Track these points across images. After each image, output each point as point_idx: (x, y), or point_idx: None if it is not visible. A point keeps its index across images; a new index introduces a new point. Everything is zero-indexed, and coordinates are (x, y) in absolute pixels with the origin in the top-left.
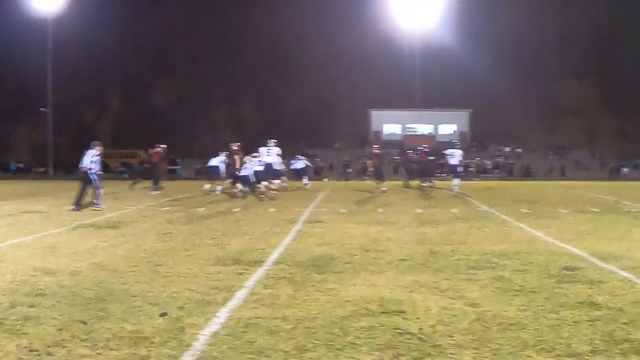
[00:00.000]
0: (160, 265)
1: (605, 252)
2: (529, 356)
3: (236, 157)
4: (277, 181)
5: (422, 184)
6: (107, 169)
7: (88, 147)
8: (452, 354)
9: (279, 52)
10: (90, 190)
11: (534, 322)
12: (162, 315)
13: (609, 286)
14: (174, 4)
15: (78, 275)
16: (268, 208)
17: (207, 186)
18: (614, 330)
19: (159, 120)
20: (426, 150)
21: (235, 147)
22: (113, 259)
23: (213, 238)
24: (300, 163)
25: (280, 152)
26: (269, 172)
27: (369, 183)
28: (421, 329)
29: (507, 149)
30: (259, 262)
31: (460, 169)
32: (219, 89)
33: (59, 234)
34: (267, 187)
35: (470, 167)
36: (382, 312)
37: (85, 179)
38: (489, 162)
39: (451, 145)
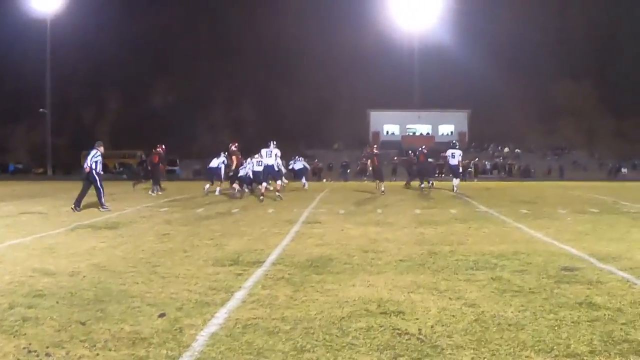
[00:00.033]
0: (159, 266)
1: (604, 252)
2: (527, 356)
3: (234, 157)
4: (279, 182)
5: (421, 185)
6: (106, 170)
7: (92, 148)
8: (450, 354)
9: (278, 52)
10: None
11: (532, 322)
12: (161, 316)
13: (608, 287)
14: (173, 4)
15: (77, 276)
16: (267, 209)
17: (207, 186)
18: (613, 330)
19: (157, 121)
20: (425, 151)
21: (233, 147)
22: (112, 260)
23: (212, 239)
24: (298, 164)
25: (279, 154)
26: (269, 174)
27: (368, 184)
28: (420, 329)
29: (506, 150)
30: (257, 263)
31: (460, 170)
32: (218, 90)
33: (57, 234)
34: (267, 189)
35: (469, 168)
36: (381, 313)
37: (89, 180)
38: (487, 163)
39: (451, 145)
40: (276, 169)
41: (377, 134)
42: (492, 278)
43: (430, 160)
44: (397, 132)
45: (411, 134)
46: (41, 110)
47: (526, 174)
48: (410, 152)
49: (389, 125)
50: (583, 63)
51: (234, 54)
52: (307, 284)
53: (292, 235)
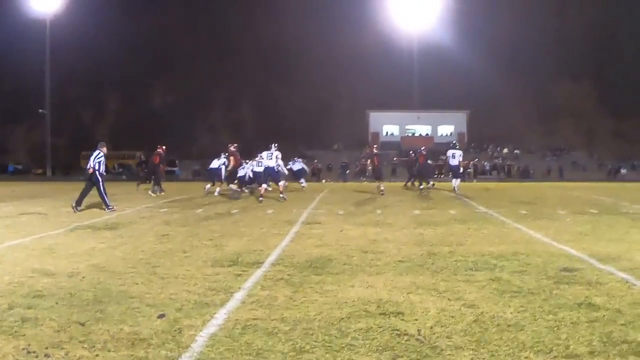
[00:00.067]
0: (158, 266)
1: (603, 253)
2: (526, 357)
3: (231, 157)
4: (281, 183)
5: (420, 186)
6: (106, 170)
7: (95, 148)
8: (450, 355)
9: (278, 53)
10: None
11: (532, 323)
12: (160, 316)
13: (607, 287)
14: (173, 5)
15: (76, 276)
16: (266, 210)
17: (207, 186)
18: (612, 331)
19: (157, 122)
20: (424, 152)
21: (232, 148)
22: (111, 261)
23: (211, 239)
24: (297, 164)
25: (280, 156)
26: (269, 175)
27: (367, 184)
28: (419, 330)
29: (505, 150)
30: (257, 264)
31: (461, 170)
32: (217, 90)
33: (57, 235)
34: (266, 190)
35: (468, 169)
36: (380, 314)
37: (91, 180)
38: (487, 164)
39: (451, 146)
40: (276, 169)
41: (376, 135)
42: (491, 279)
43: (429, 161)
44: (396, 133)
45: (410, 134)
46: (40, 110)
47: (525, 175)
48: (411, 152)
49: (389, 125)
50: (582, 63)
51: (233, 55)
52: (306, 285)
53: (291, 236)
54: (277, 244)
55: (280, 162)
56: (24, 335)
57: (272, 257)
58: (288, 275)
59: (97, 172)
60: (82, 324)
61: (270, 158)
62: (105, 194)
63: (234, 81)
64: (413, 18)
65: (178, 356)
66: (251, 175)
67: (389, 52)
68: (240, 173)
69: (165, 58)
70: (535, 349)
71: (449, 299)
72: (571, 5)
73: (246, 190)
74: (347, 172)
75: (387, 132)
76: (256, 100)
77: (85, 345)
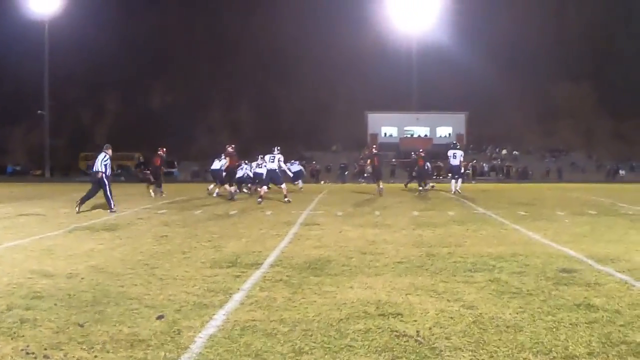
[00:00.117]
0: (157, 267)
1: (602, 254)
2: (525, 358)
3: (228, 158)
4: (283, 186)
5: (419, 188)
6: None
7: (100, 151)
8: (449, 356)
9: (276, 54)
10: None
11: (530, 324)
12: (159, 317)
13: (606, 288)
14: (171, 6)
15: (75, 277)
16: (265, 211)
17: (210, 187)
18: (611, 332)
19: (156, 123)
20: (422, 154)
21: (230, 149)
22: (110, 262)
23: (210, 241)
24: (295, 166)
25: (283, 159)
26: (271, 178)
27: (366, 185)
28: (418, 331)
29: (504, 152)
30: (255, 265)
31: (462, 170)
32: (216, 91)
33: (55, 236)
34: (265, 192)
35: (467, 170)
36: (379, 315)
37: (98, 183)
38: (485, 165)
39: (452, 146)
40: (278, 172)
41: (375, 136)
42: (490, 280)
43: (427, 164)
44: (395, 134)
45: (409, 135)
46: (39, 112)
47: (524, 176)
48: (413, 154)
49: (387, 127)
50: (581, 64)
51: (232, 56)
52: (305, 286)
53: (290, 237)
54: (276, 245)
55: (283, 165)
56: (23, 336)
57: (270, 259)
58: (287, 276)
59: (103, 176)
60: (81, 325)
61: (273, 161)
62: (112, 195)
63: (232, 82)
64: (412, 19)
65: (177, 357)
66: (251, 176)
67: (387, 53)
68: (239, 174)
69: (164, 59)
70: (534, 349)
71: (447, 300)
72: (570, 6)
73: (246, 191)
74: (346, 173)
75: (385, 134)
76: (255, 101)
77: (84, 347)
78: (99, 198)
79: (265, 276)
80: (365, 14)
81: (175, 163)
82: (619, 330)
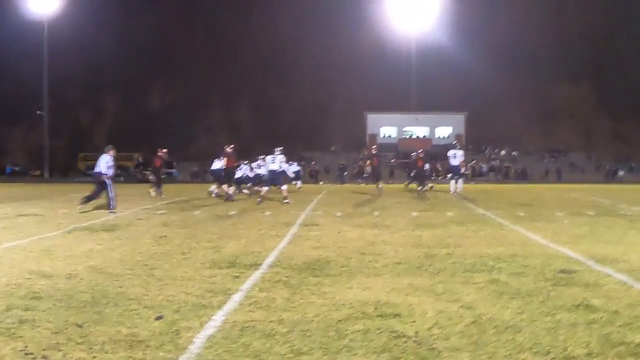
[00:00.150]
0: (156, 268)
1: (601, 255)
2: (524, 359)
3: (225, 159)
4: (284, 187)
5: (418, 188)
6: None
7: (103, 152)
8: (448, 357)
9: (275, 54)
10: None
11: (529, 325)
12: (158, 318)
13: (605, 289)
14: (170, 7)
15: (74, 278)
16: (264, 211)
17: (212, 187)
18: (610, 333)
19: (155, 123)
20: (421, 155)
21: (228, 149)
22: (109, 262)
23: (209, 241)
24: (293, 167)
25: (284, 160)
26: (272, 179)
27: (364, 186)
28: (417, 332)
29: (503, 152)
30: (255, 266)
31: (462, 170)
32: (215, 92)
33: (54, 237)
34: (266, 193)
35: (466, 170)
36: (378, 316)
37: (101, 185)
38: (484, 165)
39: (452, 146)
40: (279, 173)
41: (374, 137)
42: (489, 280)
43: (427, 164)
44: (394, 135)
45: (408, 136)
46: (38, 112)
47: (523, 177)
48: (413, 154)
49: (386, 127)
50: (581, 65)
51: (231, 56)
52: (304, 287)
53: (289, 238)
54: (275, 245)
55: (285, 166)
56: (22, 336)
57: (270, 259)
58: (286, 277)
59: (107, 178)
60: (80, 326)
61: (274, 162)
62: (115, 197)
63: (232, 82)
64: (411, 19)
65: (176, 358)
66: (250, 176)
67: (386, 54)
68: (238, 175)
69: (164, 59)
70: (533, 350)
71: (446, 300)
72: (569, 7)
73: (245, 192)
74: (345, 173)
75: (384, 134)
76: (254, 101)
77: (83, 347)
78: (100, 198)
79: (264, 277)
80: (364, 14)
81: (174, 163)
82: (618, 331)
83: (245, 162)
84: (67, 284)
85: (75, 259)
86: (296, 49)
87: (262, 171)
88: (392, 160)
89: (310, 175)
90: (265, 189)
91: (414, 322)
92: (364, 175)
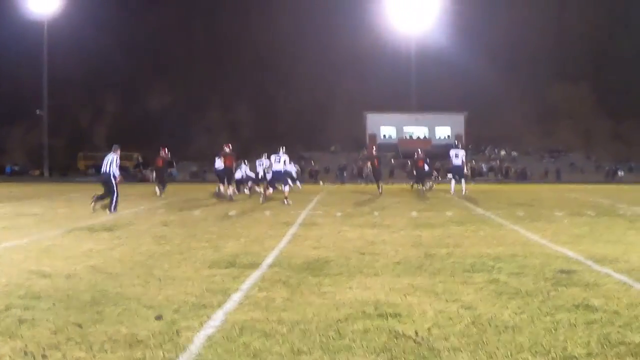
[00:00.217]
0: (156, 268)
1: (600, 255)
2: (524, 359)
3: (223, 158)
4: (286, 188)
5: (419, 188)
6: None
7: (109, 152)
8: (447, 357)
9: (275, 54)
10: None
11: (529, 325)
12: (158, 318)
13: (605, 289)
14: (170, 7)
15: (73, 278)
16: (264, 211)
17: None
18: (610, 333)
19: (154, 123)
20: (421, 155)
21: (227, 149)
22: (108, 262)
23: (208, 241)
24: (292, 167)
25: (288, 159)
26: (276, 179)
27: (364, 186)
28: (417, 332)
29: (503, 152)
30: (254, 265)
31: (464, 170)
32: (214, 92)
33: (54, 236)
34: (270, 193)
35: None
36: (378, 315)
37: (106, 184)
38: (484, 165)
39: (454, 145)
40: (283, 172)
41: (373, 137)
42: (488, 280)
43: (426, 164)
44: (394, 135)
45: (408, 136)
46: (38, 112)
47: (523, 177)
48: (415, 154)
49: (386, 127)
50: (580, 65)
51: (230, 56)
52: (303, 286)
53: (288, 238)
54: (275, 245)
55: (289, 166)
56: (21, 336)
57: (269, 259)
58: (285, 276)
59: (115, 178)
60: (80, 326)
61: (278, 162)
62: (118, 198)
63: (231, 82)
64: (411, 19)
65: (175, 357)
66: (251, 176)
67: (386, 54)
68: (238, 175)
69: (163, 59)
70: (532, 350)
71: (446, 300)
72: (569, 7)
73: (246, 191)
74: (345, 174)
75: (384, 134)
76: (254, 101)
77: (83, 347)
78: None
79: (264, 276)
80: (364, 14)
81: (174, 163)
82: (618, 331)
83: (245, 161)
84: (66, 283)
85: (75, 258)
86: (296, 49)
87: (262, 170)
88: (392, 160)
89: (310, 175)
90: (270, 190)
91: (413, 322)
92: (364, 175)
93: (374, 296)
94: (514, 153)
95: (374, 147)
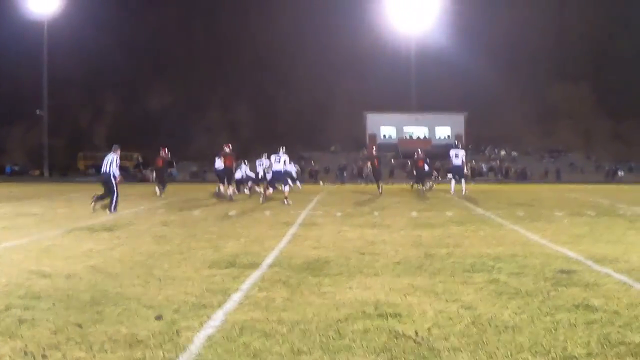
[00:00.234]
0: (156, 268)
1: (600, 255)
2: (524, 359)
3: (222, 158)
4: (286, 188)
5: (419, 188)
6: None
7: (109, 152)
8: (447, 356)
9: (274, 54)
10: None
11: (529, 324)
12: (158, 318)
13: (605, 289)
14: (170, 8)
15: (73, 278)
16: (264, 211)
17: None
18: (610, 333)
19: (154, 123)
20: (421, 154)
21: (227, 149)
22: (108, 262)
23: (208, 241)
24: (291, 167)
25: (288, 159)
26: (277, 179)
27: (364, 186)
28: (417, 332)
29: (503, 152)
30: (254, 265)
31: (465, 170)
32: (214, 92)
33: (54, 236)
34: (270, 193)
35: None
36: (378, 315)
37: (107, 184)
38: (484, 165)
39: (454, 145)
40: (283, 172)
41: (373, 137)
42: (488, 280)
43: (426, 164)
44: (394, 135)
45: (408, 136)
46: (38, 112)
47: (523, 177)
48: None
49: (386, 127)
50: (580, 65)
51: (230, 57)
52: (303, 286)
53: (288, 238)
54: (275, 245)
55: (289, 166)
56: (21, 336)
57: (269, 259)
58: (285, 276)
59: (115, 178)
60: (80, 326)
61: (278, 162)
62: (118, 198)
63: (231, 82)
64: (411, 19)
65: (175, 357)
66: (251, 176)
67: (386, 54)
68: (237, 175)
69: (163, 59)
70: (532, 350)
71: (446, 300)
72: (569, 7)
73: (246, 191)
74: (345, 174)
75: (384, 134)
76: (253, 101)
77: (83, 347)
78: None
79: (263, 276)
80: (364, 14)
81: (174, 163)
82: (618, 331)
83: (245, 161)
84: (66, 283)
85: (75, 258)
86: (295, 49)
87: (262, 170)
88: (392, 160)
89: (309, 175)
90: (270, 190)
91: (413, 322)
92: (364, 175)
93: (374, 296)
94: (514, 153)
95: (374, 147)
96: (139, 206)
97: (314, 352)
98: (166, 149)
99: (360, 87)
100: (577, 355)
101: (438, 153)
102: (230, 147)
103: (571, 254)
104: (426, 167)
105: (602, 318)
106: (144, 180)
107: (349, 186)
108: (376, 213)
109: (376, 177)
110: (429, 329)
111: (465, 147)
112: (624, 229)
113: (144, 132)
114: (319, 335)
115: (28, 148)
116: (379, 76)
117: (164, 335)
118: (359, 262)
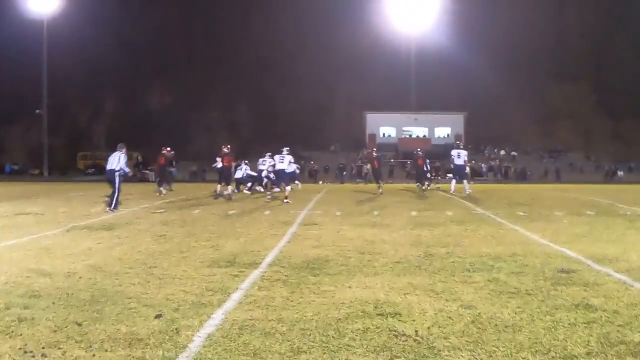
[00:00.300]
0: (155, 267)
1: (600, 254)
2: (524, 358)
3: (222, 158)
4: (287, 188)
5: (418, 188)
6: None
7: (115, 150)
8: (447, 356)
9: (274, 54)
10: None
11: (529, 324)
12: (157, 317)
13: (605, 288)
14: (169, 7)
15: (73, 276)
16: (263, 210)
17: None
18: (610, 332)
19: (154, 123)
20: (420, 154)
21: (226, 149)
22: (108, 261)
23: (208, 240)
24: (291, 167)
25: (292, 159)
26: (281, 179)
27: (363, 186)
28: (416, 331)
29: (502, 152)
30: (254, 264)
31: (467, 170)
32: (214, 92)
33: (54, 235)
34: (273, 193)
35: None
36: (378, 314)
37: (111, 181)
38: (483, 165)
39: (455, 146)
40: (286, 171)
41: (373, 136)
42: (488, 280)
43: (426, 164)
44: (393, 135)
45: (408, 136)
46: (37, 111)
47: (522, 177)
48: (415, 153)
49: (386, 127)
50: (580, 65)
51: (229, 56)
52: (303, 286)
53: (288, 237)
54: (275, 244)
55: (293, 166)
56: (21, 335)
57: (269, 258)
58: (285, 275)
59: (120, 176)
60: (79, 324)
61: (282, 161)
62: (119, 196)
63: (230, 82)
64: (410, 19)
65: (175, 356)
66: (253, 175)
67: (386, 54)
68: (238, 174)
69: (162, 59)
70: (532, 349)
71: (446, 299)
72: (569, 7)
73: (246, 191)
74: (344, 173)
75: (384, 134)
76: (253, 101)
77: (82, 345)
78: (101, 197)
79: (263, 276)
80: (363, 14)
81: (173, 162)
82: (618, 330)
83: (245, 161)
84: (66, 282)
85: (75, 257)
86: (295, 49)
87: (264, 168)
88: (392, 160)
89: (309, 175)
90: (276, 189)
91: (413, 321)
92: (363, 175)
93: (374, 295)
94: (514, 153)
95: (374, 148)
96: (139, 205)
97: (314, 351)
98: (168, 148)
99: (360, 87)
100: (576, 355)
101: (437, 153)
102: (229, 148)
103: (571, 253)
104: (426, 166)
105: (601, 317)
106: (144, 179)
107: (348, 186)
108: (376, 212)
109: (376, 177)
110: (428, 328)
111: (465, 147)
112: (623, 228)
113: (143, 132)
114: (319, 334)
115: (28, 147)
116: (379, 76)
117: (163, 334)
118: (359, 261)
